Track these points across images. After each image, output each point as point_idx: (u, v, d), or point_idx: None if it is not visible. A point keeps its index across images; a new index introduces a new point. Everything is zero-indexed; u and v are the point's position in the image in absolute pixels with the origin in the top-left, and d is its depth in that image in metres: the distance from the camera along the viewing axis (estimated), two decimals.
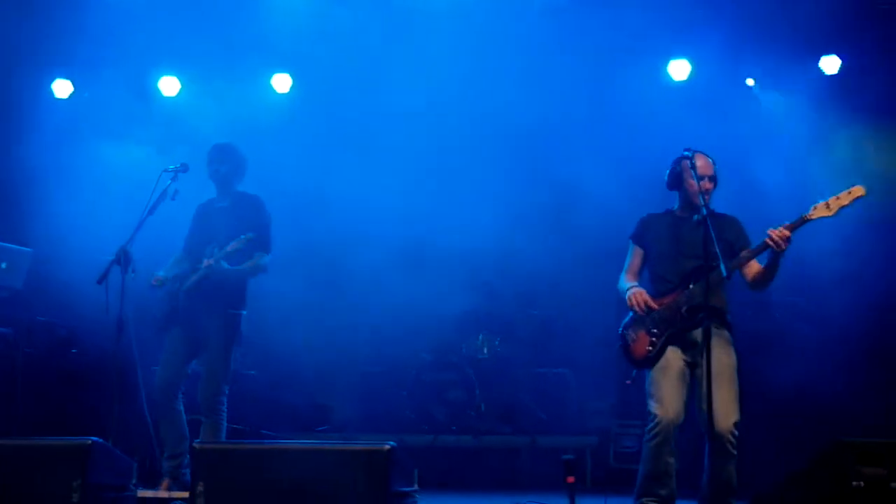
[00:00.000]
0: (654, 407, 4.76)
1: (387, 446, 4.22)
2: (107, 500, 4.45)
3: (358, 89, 8.25)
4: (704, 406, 4.42)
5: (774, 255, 4.60)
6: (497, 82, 7.85)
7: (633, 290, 4.95)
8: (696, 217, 4.63)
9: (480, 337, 7.96)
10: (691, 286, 4.76)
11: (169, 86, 8.39)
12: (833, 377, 6.76)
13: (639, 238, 5.14)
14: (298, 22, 7.67)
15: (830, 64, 7.70)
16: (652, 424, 4.76)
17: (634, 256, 5.16)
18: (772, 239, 4.51)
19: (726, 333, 4.87)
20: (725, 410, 4.58)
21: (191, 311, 5.63)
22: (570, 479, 4.45)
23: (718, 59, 7.62)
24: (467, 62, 7.81)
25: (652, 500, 4.80)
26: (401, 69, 7.98)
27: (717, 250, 4.41)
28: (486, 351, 7.93)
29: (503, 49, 7.72)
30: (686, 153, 4.80)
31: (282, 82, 8.40)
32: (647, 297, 4.91)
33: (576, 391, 8.00)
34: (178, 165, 5.59)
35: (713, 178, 4.90)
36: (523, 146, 8.08)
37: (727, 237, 4.81)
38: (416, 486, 4.53)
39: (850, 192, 4.49)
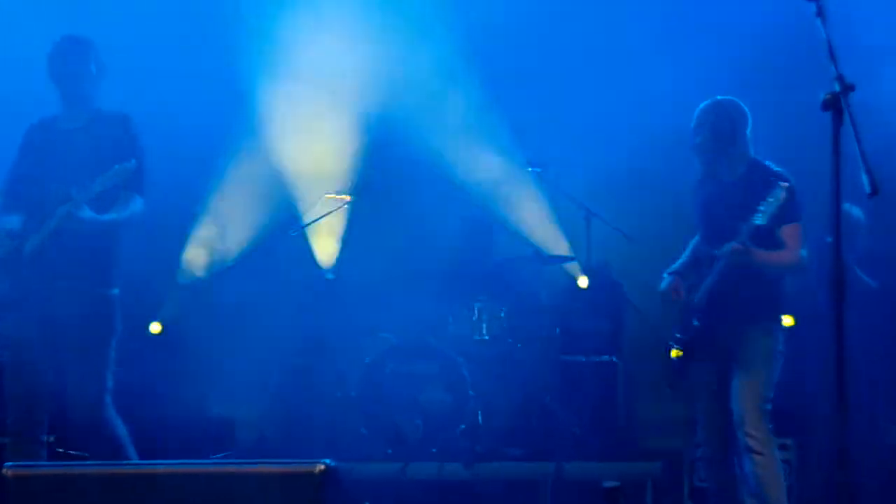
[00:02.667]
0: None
1: (320, 466, 4.11)
2: None
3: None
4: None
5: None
6: None
7: (668, 280, 6.02)
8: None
9: (476, 307, 7.96)
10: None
11: None
12: None
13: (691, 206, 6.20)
14: None
15: None
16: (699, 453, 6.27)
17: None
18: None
19: (760, 325, 5.81)
20: (742, 405, 5.70)
21: (40, 288, 5.72)
22: None
23: None
24: None
25: None
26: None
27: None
28: (484, 329, 7.95)
29: None
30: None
31: None
32: (670, 289, 5.97)
33: (630, 391, 8.17)
34: None
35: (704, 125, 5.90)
36: (537, 82, 8.83)
37: (772, 210, 5.59)
38: None
39: None
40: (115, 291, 5.90)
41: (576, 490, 7.22)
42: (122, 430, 5.88)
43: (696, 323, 5.89)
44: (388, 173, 8.46)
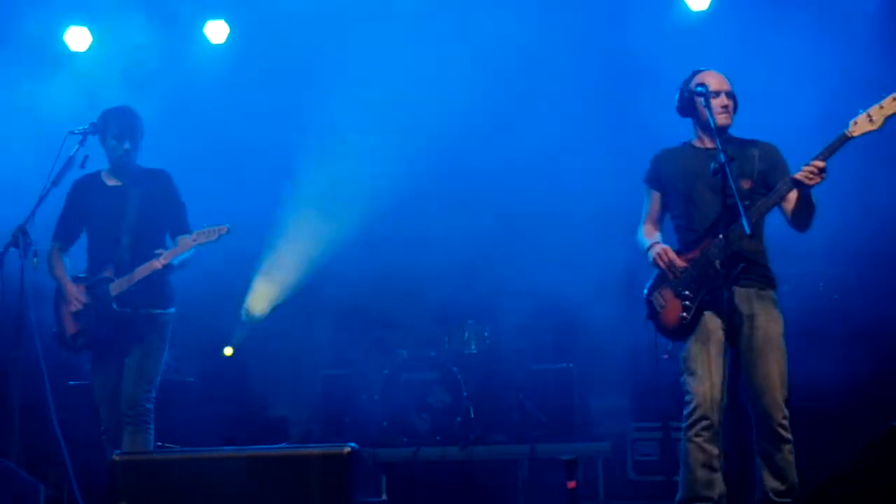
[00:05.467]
0: (692, 386, 4.75)
1: (346, 449, 4.22)
2: None
3: (304, 39, 8.23)
4: (750, 383, 4.48)
5: (806, 190, 4.60)
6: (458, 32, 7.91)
7: (657, 249, 4.94)
8: (713, 165, 4.54)
9: (466, 328, 8.01)
10: (720, 236, 4.62)
11: (78, 39, 8.32)
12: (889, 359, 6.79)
13: (654, 180, 5.13)
14: None
15: None
16: (689, 409, 4.76)
17: (652, 202, 5.15)
18: (804, 177, 4.52)
19: (771, 293, 4.86)
20: (773, 388, 4.65)
21: (120, 321, 5.53)
22: (572, 485, 4.42)
23: None
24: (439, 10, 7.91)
25: None
26: (356, 16, 8.03)
27: (739, 204, 4.37)
28: (473, 345, 7.98)
29: None
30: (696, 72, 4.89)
31: (217, 31, 8.40)
32: (672, 254, 4.89)
33: (583, 389, 8.03)
34: (86, 127, 5.54)
35: (731, 95, 4.90)
36: (513, 112, 8.10)
37: (760, 168, 4.83)
38: (384, 497, 4.52)
39: (894, 99, 4.43)
40: (173, 310, 5.70)
41: (545, 465, 7.23)
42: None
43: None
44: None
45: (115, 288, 5.51)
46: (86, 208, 5.73)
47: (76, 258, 5.76)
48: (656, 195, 5.11)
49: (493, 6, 7.83)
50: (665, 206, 5.12)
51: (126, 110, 5.71)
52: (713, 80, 4.89)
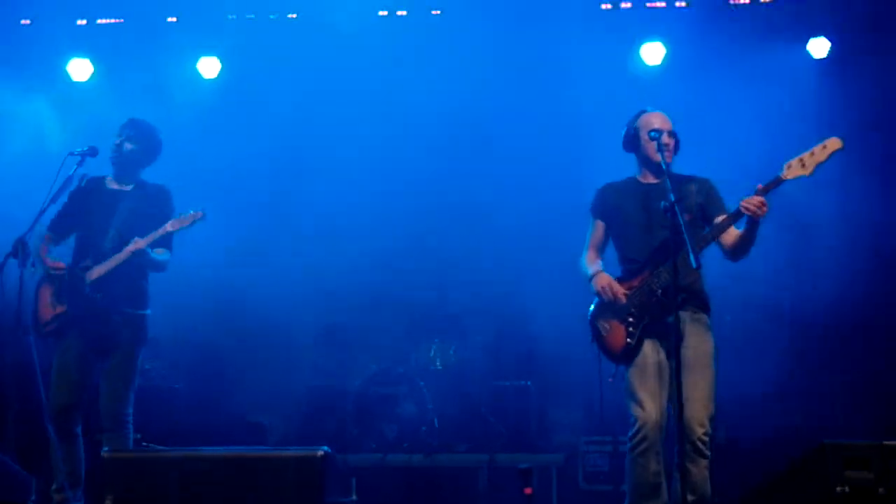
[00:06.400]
0: (634, 410, 4.72)
1: (320, 452, 4.22)
2: None
3: (295, 74, 8.25)
4: (674, 400, 4.34)
5: (751, 223, 4.56)
6: (440, 65, 7.96)
7: (599, 278, 4.89)
8: (663, 204, 4.48)
9: (433, 346, 8.02)
10: (660, 268, 4.69)
11: (79, 69, 8.29)
12: (816, 377, 6.91)
13: (598, 210, 5.09)
14: None
15: (819, 47, 7.85)
16: (633, 430, 4.73)
17: (596, 231, 5.10)
18: (746, 209, 4.48)
19: (704, 318, 4.83)
20: (697, 405, 4.57)
21: (96, 312, 5.37)
22: (528, 491, 4.41)
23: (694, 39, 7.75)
24: (412, 43, 7.94)
25: None
26: (342, 51, 8.00)
27: (688, 240, 4.33)
28: (438, 361, 7.99)
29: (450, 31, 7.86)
30: (642, 112, 4.90)
31: (209, 67, 8.37)
32: (614, 284, 4.84)
33: (539, 404, 8.03)
34: (85, 149, 5.47)
35: (672, 134, 4.86)
36: (481, 144, 8.14)
37: (698, 201, 4.81)
38: (353, 497, 4.50)
39: (824, 147, 4.43)
40: (149, 311, 5.53)
41: (504, 473, 7.21)
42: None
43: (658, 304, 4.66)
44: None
45: (93, 274, 5.37)
46: (84, 208, 5.59)
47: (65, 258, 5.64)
48: (600, 224, 5.08)
49: (462, 57, 7.90)
50: (607, 235, 5.08)
51: (144, 121, 5.69)
52: (657, 120, 4.89)
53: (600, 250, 5.10)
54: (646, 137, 4.83)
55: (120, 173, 5.63)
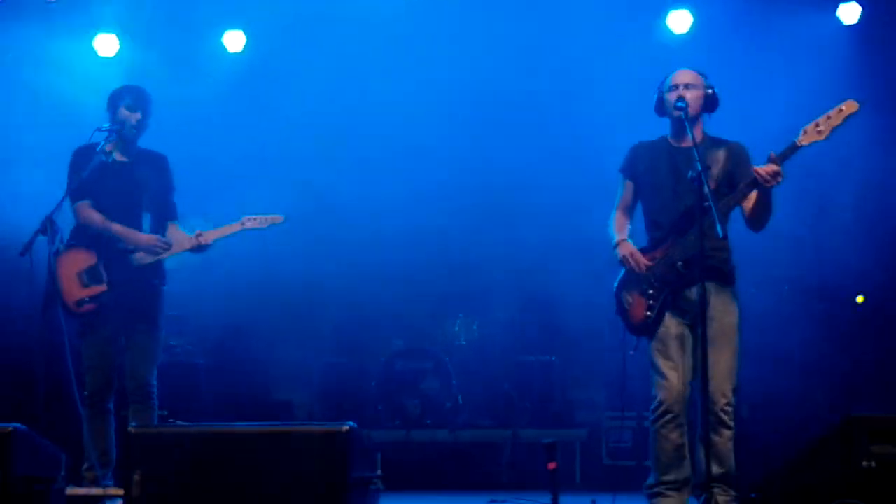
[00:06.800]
0: (657, 381, 4.72)
1: (345, 427, 4.21)
2: (33, 492, 4.37)
3: (321, 48, 8.17)
4: (699, 369, 4.31)
5: (764, 192, 4.51)
6: (469, 44, 7.86)
7: (622, 247, 4.85)
8: (690, 174, 4.43)
9: (457, 321, 8.04)
10: (682, 238, 4.62)
11: (106, 45, 8.28)
12: (843, 351, 6.84)
13: (629, 170, 4.99)
14: None
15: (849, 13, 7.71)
16: (655, 403, 4.73)
17: (626, 192, 5.00)
18: (760, 175, 4.41)
19: (729, 289, 4.76)
20: (720, 376, 4.54)
21: (138, 289, 5.38)
22: (552, 466, 4.46)
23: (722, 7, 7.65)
24: (441, 24, 7.85)
25: (663, 489, 4.74)
26: (371, 24, 7.93)
27: (714, 209, 4.27)
28: (462, 337, 8.01)
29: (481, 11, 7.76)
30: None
31: (234, 40, 8.31)
32: (637, 254, 4.79)
33: (563, 380, 8.04)
34: (112, 125, 5.45)
35: (691, 87, 4.75)
36: (503, 116, 8.06)
37: (727, 168, 4.73)
38: (378, 472, 4.51)
39: (840, 110, 4.34)
40: (165, 288, 5.52)
41: (527, 448, 7.26)
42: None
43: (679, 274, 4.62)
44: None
45: (139, 259, 5.39)
46: (92, 177, 5.39)
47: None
48: (630, 185, 4.98)
49: (492, 30, 7.83)
50: (637, 196, 4.98)
51: (137, 86, 5.58)
52: (677, 75, 4.81)
53: (629, 212, 5.01)
54: (667, 95, 4.75)
55: (127, 145, 5.55)
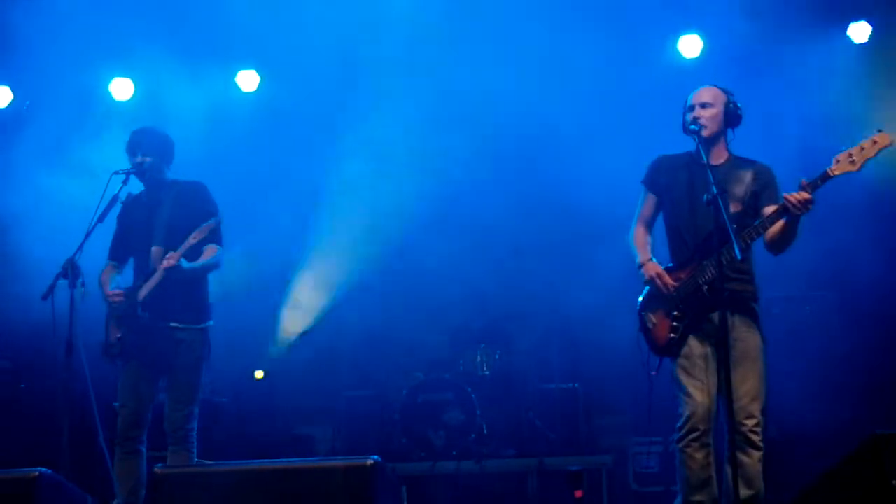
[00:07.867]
0: (682, 400, 4.69)
1: (370, 461, 4.18)
2: None
3: (333, 86, 8.25)
4: (726, 391, 4.26)
5: (793, 218, 4.47)
6: (483, 74, 7.91)
7: (647, 268, 4.81)
8: (706, 197, 4.40)
9: (479, 352, 8.02)
10: (706, 261, 4.61)
11: (121, 89, 8.40)
12: (870, 368, 6.80)
13: (652, 182, 4.97)
14: (265, 11, 7.66)
15: (860, 31, 7.75)
16: (681, 422, 4.69)
17: (646, 204, 4.99)
18: (790, 203, 4.38)
19: (753, 311, 4.73)
20: (747, 397, 4.52)
21: (149, 331, 5.39)
22: (579, 494, 4.52)
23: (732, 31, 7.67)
24: (453, 51, 7.90)
25: None
26: (380, 63, 7.99)
27: (731, 232, 4.28)
28: (485, 367, 7.99)
29: (492, 38, 7.82)
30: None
31: (248, 80, 8.43)
32: (664, 275, 4.76)
33: (586, 407, 8.02)
34: (129, 168, 5.53)
35: (707, 105, 4.75)
36: (519, 147, 8.10)
37: (753, 189, 4.70)
38: None
39: (874, 142, 4.33)
40: (211, 323, 5.53)
41: (553, 477, 7.21)
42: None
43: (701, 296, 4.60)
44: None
45: (141, 294, 5.40)
46: (128, 225, 5.64)
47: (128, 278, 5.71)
48: (652, 198, 4.97)
49: (504, 56, 7.87)
50: (658, 210, 4.96)
51: (143, 128, 5.66)
52: (694, 94, 4.84)
53: (650, 226, 4.98)
54: (687, 115, 4.78)
55: (150, 186, 5.63)
